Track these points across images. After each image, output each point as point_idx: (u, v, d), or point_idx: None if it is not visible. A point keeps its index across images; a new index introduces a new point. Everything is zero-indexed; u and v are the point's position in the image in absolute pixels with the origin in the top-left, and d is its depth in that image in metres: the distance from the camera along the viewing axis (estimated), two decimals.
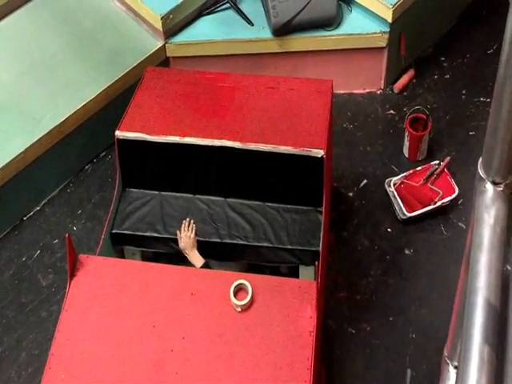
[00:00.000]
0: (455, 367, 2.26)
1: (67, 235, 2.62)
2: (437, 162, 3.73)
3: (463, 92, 4.11)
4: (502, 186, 1.57)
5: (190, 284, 2.68)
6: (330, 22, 3.97)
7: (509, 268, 1.58)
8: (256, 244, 3.10)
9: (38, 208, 3.75)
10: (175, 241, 3.15)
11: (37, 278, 3.52)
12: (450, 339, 2.27)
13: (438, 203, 3.61)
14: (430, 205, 3.62)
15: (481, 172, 1.60)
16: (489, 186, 1.58)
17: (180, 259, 3.12)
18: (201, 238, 3.13)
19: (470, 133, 3.96)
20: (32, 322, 3.40)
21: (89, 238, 3.60)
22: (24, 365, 3.28)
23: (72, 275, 2.69)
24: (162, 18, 3.81)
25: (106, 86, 3.70)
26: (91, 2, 4.07)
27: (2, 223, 3.67)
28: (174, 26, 3.91)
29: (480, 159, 1.60)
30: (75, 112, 3.64)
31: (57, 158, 3.69)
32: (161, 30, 3.86)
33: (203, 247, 3.14)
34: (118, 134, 3.14)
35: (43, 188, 3.76)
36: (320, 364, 2.83)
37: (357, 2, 3.98)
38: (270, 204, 3.17)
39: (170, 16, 3.84)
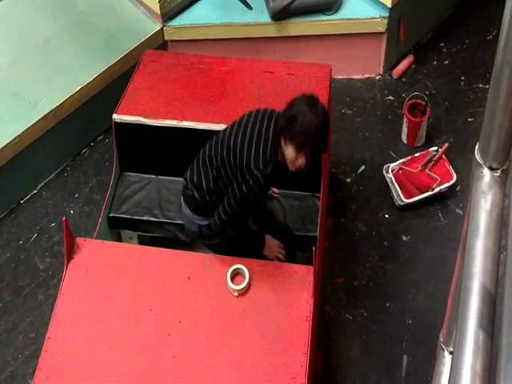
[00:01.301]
0: (450, 353, 2.26)
1: (64, 219, 2.62)
2: (435, 148, 3.73)
3: (462, 78, 4.10)
4: (499, 171, 1.57)
5: (187, 268, 2.69)
6: (329, 7, 3.95)
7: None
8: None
9: (35, 191, 3.74)
10: (172, 225, 3.15)
11: (34, 262, 3.52)
12: (445, 325, 2.28)
13: (436, 189, 3.61)
14: (427, 191, 3.62)
15: (478, 157, 1.60)
16: (486, 172, 1.58)
17: (177, 243, 3.12)
18: None
19: (469, 119, 3.94)
20: (29, 305, 3.40)
21: (86, 221, 3.59)
22: (21, 348, 3.28)
23: (69, 258, 2.69)
24: (159, 1, 3.77)
25: (103, 70, 3.67)
26: None
27: None
28: (171, 9, 3.88)
29: (477, 145, 1.60)
30: (71, 96, 3.60)
31: (53, 141, 3.67)
32: (159, 13, 3.83)
33: None
34: (116, 117, 3.13)
35: (40, 172, 3.75)
36: (316, 349, 2.84)
37: None
38: None
39: None
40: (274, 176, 2.54)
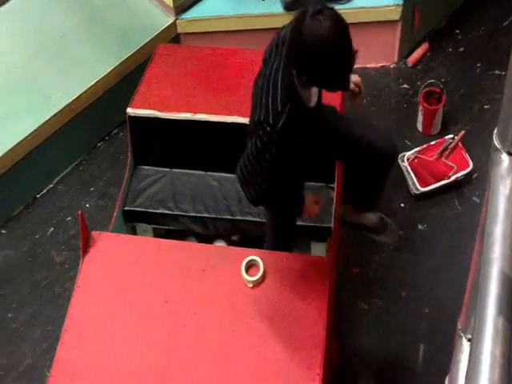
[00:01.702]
0: (469, 340, 2.25)
1: (80, 212, 2.63)
2: (451, 136, 3.69)
3: (478, 65, 4.05)
4: (508, 156, 1.55)
5: (202, 260, 2.69)
6: None
7: None
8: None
9: (50, 186, 3.77)
10: (186, 217, 3.16)
11: (50, 255, 3.55)
12: (463, 312, 2.26)
13: (452, 178, 3.57)
14: (443, 179, 3.59)
15: (496, 143, 1.57)
16: (504, 157, 1.55)
17: (191, 236, 3.13)
18: (212, 215, 3.14)
19: (485, 106, 3.90)
20: (46, 298, 3.43)
21: (101, 215, 3.61)
22: (38, 341, 3.32)
23: (85, 252, 2.71)
24: None
25: (117, 64, 3.68)
26: None
27: (15, 201, 3.69)
28: (184, 1, 3.87)
29: (495, 130, 1.58)
30: (86, 90, 3.62)
31: (69, 135, 3.69)
32: (171, 5, 3.83)
33: (214, 223, 3.15)
34: (130, 111, 3.14)
35: (56, 166, 3.77)
36: (332, 340, 2.84)
37: None
38: None
39: None
40: (294, 129, 2.20)
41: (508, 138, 1.53)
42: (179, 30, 3.93)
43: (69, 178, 3.79)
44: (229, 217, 3.12)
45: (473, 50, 4.10)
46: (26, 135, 3.50)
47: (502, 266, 1.41)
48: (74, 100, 3.60)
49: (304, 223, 3.04)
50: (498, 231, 1.46)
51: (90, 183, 3.77)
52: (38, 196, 3.75)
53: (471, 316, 2.15)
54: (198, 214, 3.15)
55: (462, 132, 3.66)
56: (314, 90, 2.29)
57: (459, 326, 2.33)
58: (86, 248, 2.71)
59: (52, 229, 3.64)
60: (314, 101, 2.35)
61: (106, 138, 3.91)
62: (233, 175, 3.16)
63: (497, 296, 1.38)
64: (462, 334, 2.31)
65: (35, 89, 3.65)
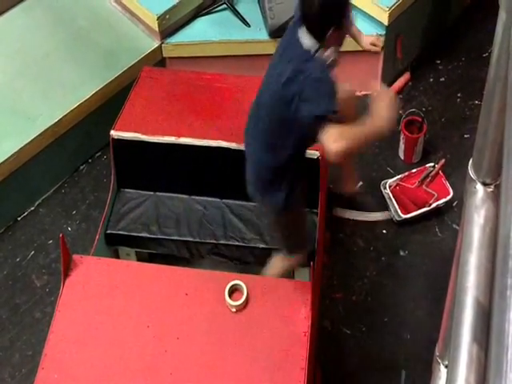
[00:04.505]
0: (446, 366, 2.26)
1: (61, 235, 2.62)
2: (432, 164, 3.74)
3: (458, 95, 4.12)
4: (492, 186, 1.59)
5: (185, 284, 2.68)
6: None
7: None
8: (251, 245, 3.10)
9: (32, 208, 3.74)
10: (170, 241, 3.15)
11: (31, 279, 3.52)
12: (441, 338, 2.28)
13: (433, 205, 3.62)
14: (424, 207, 3.63)
15: (471, 173, 1.62)
16: (479, 187, 1.59)
17: (175, 260, 3.12)
18: (196, 239, 3.13)
19: (465, 135, 3.96)
20: (26, 323, 3.39)
21: (83, 238, 3.59)
22: (18, 366, 3.27)
23: (66, 275, 2.68)
24: (158, 19, 3.81)
25: (102, 86, 3.69)
26: (87, 2, 4.06)
27: None
28: (170, 26, 3.91)
29: (470, 161, 1.61)
30: (70, 112, 3.62)
31: (51, 158, 3.67)
32: (157, 30, 3.86)
33: (197, 247, 3.15)
34: (113, 133, 3.14)
35: (37, 188, 3.75)
36: (315, 364, 2.83)
37: (353, 5, 3.97)
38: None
39: (166, 16, 3.84)
40: None
41: (482, 169, 1.58)
42: (165, 54, 3.96)
43: (51, 201, 3.77)
44: (212, 241, 3.12)
45: (454, 80, 4.17)
46: (8, 157, 3.47)
47: (476, 295, 1.43)
48: (56, 122, 3.58)
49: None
50: (472, 260, 1.49)
51: (72, 206, 3.75)
52: (18, 219, 3.72)
53: (448, 343, 2.17)
54: (182, 238, 3.13)
55: (443, 160, 3.71)
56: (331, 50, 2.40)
57: (437, 353, 2.35)
58: (66, 272, 2.69)
59: (33, 252, 3.60)
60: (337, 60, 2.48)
61: (89, 160, 3.90)
62: (217, 199, 3.20)
63: (471, 324, 1.40)
64: (439, 361, 2.33)
65: (17, 110, 3.63)
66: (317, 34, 2.35)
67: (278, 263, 2.93)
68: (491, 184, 1.60)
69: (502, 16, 1.32)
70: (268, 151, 2.56)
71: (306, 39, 2.37)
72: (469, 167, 1.62)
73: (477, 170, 1.60)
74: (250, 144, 2.67)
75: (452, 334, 1.47)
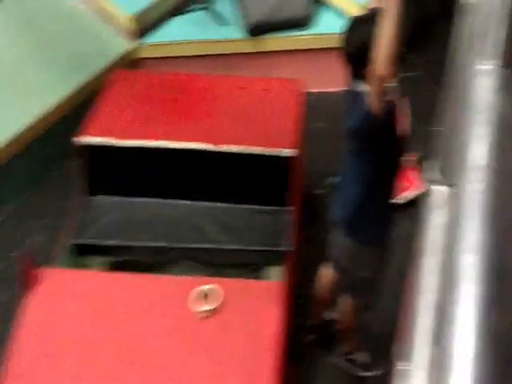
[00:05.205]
0: (403, 366, 2.29)
1: (26, 247, 2.54)
2: (405, 159, 3.76)
3: (434, 88, 4.14)
4: (447, 188, 1.60)
5: (152, 291, 2.66)
6: (303, 22, 4.00)
7: None
8: (225, 247, 3.07)
9: None
10: (140, 248, 3.08)
11: None
12: (398, 339, 2.31)
13: (403, 200, 3.65)
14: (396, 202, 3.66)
15: (427, 174, 1.64)
16: (434, 188, 1.61)
17: (145, 266, 3.06)
18: (163, 244, 3.07)
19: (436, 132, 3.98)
20: None
21: (50, 249, 3.30)
22: None
23: (31, 288, 2.64)
24: (132, 19, 3.81)
25: (72, 91, 3.60)
26: (57, 5, 3.99)
27: None
28: (145, 26, 3.91)
29: (426, 162, 1.63)
30: (37, 119, 3.50)
31: (18, 167, 3.57)
32: (132, 30, 3.86)
33: (173, 252, 3.12)
34: (80, 139, 3.05)
35: (3, 198, 3.62)
36: (288, 363, 2.84)
37: (330, 2, 4.00)
38: (240, 206, 3.12)
39: (141, 16, 3.84)
40: None
41: (435, 171, 1.59)
42: (139, 55, 3.95)
43: (16, 211, 3.64)
44: (185, 245, 3.08)
45: (428, 75, 4.18)
46: None
47: (430, 297, 1.45)
48: (23, 130, 3.47)
49: (261, 248, 3.04)
50: (425, 262, 1.51)
51: (39, 216, 3.61)
52: None
53: (405, 343, 2.20)
54: (154, 244, 3.06)
55: (416, 155, 3.73)
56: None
57: (394, 355, 2.38)
58: (30, 284, 2.63)
59: None
60: None
61: (58, 168, 3.76)
62: (189, 202, 3.14)
63: (427, 326, 1.42)
64: (396, 361, 2.35)
65: None
66: None
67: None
68: (446, 185, 1.62)
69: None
70: None
71: None
72: (424, 168, 1.64)
73: (431, 171, 1.62)
74: None
75: (408, 336, 1.50)
